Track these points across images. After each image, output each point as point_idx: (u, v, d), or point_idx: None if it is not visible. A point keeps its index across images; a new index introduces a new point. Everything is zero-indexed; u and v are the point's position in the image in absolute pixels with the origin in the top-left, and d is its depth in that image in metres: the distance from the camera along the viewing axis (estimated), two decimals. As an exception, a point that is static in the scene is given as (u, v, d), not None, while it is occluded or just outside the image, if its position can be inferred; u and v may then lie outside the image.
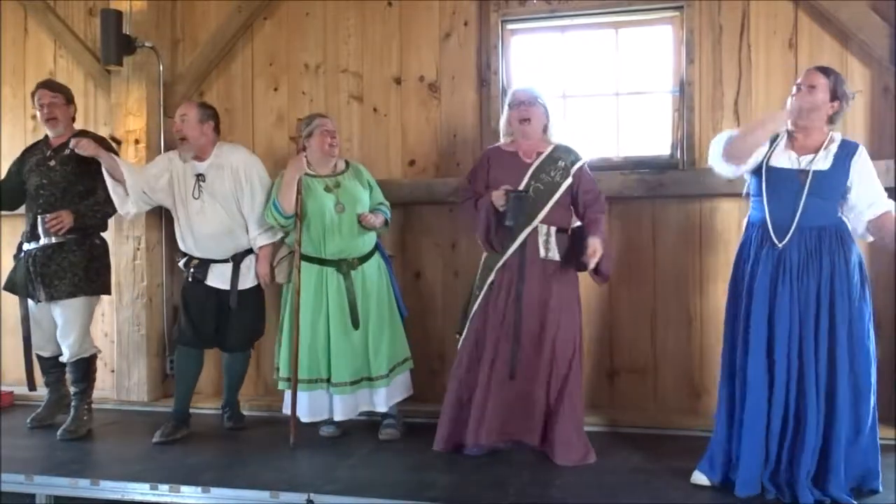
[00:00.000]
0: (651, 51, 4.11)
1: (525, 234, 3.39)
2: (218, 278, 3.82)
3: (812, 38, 3.82)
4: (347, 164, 3.88)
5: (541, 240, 3.39)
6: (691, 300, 3.96)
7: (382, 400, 3.75)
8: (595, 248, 3.28)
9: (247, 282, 3.84)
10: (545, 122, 3.51)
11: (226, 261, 3.83)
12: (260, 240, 3.82)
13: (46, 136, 4.00)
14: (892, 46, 3.67)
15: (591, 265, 3.30)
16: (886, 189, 3.05)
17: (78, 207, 3.83)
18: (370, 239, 3.78)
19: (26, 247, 3.87)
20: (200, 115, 3.80)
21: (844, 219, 2.98)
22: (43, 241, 3.77)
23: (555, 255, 3.41)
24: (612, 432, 3.83)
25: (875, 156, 3.40)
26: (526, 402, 3.37)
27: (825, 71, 2.97)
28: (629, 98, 4.15)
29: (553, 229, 3.42)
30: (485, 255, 3.54)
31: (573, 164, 3.47)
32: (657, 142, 4.10)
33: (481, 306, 3.46)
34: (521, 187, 3.38)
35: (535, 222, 3.39)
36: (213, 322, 3.86)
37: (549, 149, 3.49)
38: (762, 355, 2.90)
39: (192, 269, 3.83)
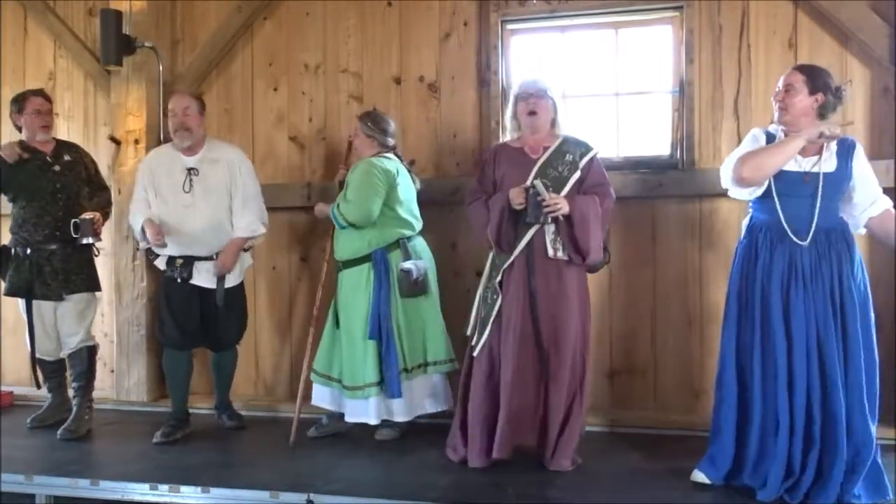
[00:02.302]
0: (651, 51, 4.11)
1: (532, 232, 3.25)
2: (203, 276, 3.80)
3: (812, 38, 3.82)
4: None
5: (548, 238, 3.24)
6: (691, 300, 3.96)
7: (348, 410, 3.70)
8: (557, 200, 3.17)
9: (232, 279, 3.83)
10: (553, 116, 3.37)
11: (210, 258, 3.80)
12: (240, 231, 3.79)
13: (23, 142, 3.90)
14: (891, 46, 3.67)
15: (553, 213, 3.16)
16: (886, 189, 3.06)
17: (97, 208, 3.90)
18: (349, 246, 3.67)
19: (30, 249, 3.84)
20: (199, 108, 3.84)
21: (844, 218, 2.98)
22: (83, 241, 3.79)
23: (562, 253, 3.24)
24: (611, 432, 3.83)
25: (875, 156, 3.41)
26: (537, 406, 3.25)
27: (801, 68, 2.97)
28: (629, 98, 4.15)
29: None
30: (492, 255, 3.39)
31: (582, 156, 3.33)
32: (657, 142, 4.10)
33: (497, 312, 3.29)
34: (528, 185, 3.22)
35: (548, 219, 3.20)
36: (198, 322, 3.84)
37: (557, 142, 3.35)
38: (784, 359, 2.87)
39: (177, 269, 3.79)
